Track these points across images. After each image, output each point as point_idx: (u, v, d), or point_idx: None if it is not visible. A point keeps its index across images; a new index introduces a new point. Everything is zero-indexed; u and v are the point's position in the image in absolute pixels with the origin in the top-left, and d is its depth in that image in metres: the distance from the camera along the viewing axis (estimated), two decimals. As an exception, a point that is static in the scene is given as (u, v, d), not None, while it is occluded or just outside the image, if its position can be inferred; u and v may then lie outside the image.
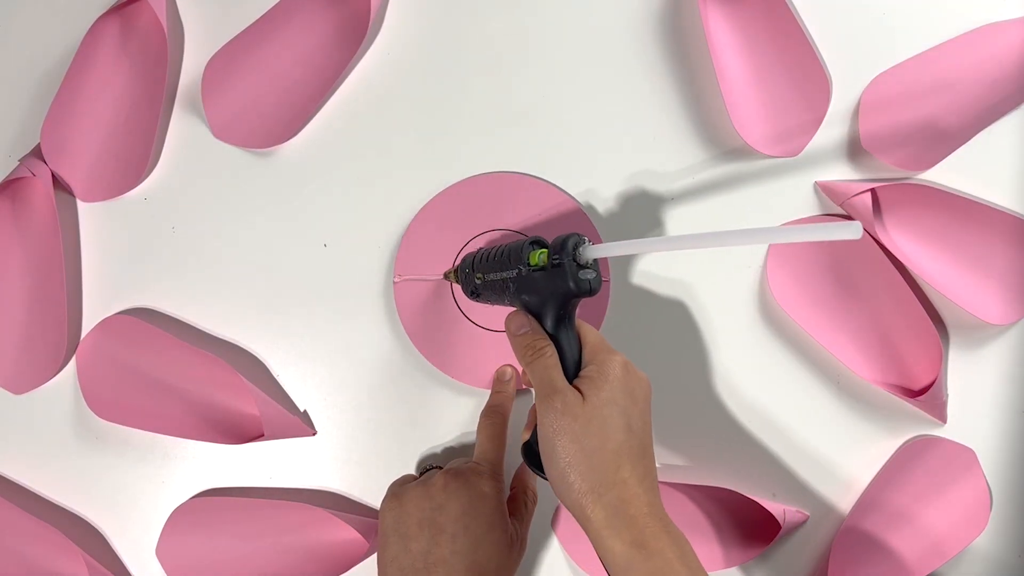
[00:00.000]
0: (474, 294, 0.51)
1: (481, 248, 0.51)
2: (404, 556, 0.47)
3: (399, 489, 0.51)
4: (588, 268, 0.44)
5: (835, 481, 0.57)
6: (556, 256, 0.44)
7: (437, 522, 0.47)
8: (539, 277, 0.45)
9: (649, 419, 0.44)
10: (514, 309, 0.48)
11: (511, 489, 0.54)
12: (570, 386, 0.44)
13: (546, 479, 0.44)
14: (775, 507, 0.55)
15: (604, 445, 0.42)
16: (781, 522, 0.54)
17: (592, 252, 0.43)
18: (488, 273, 0.49)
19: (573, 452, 0.42)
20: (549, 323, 0.46)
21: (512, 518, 0.50)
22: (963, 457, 0.56)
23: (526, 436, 0.49)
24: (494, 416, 0.54)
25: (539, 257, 0.45)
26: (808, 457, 0.57)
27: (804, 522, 0.57)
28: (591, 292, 0.44)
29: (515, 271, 0.46)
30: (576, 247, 0.44)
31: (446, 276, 0.55)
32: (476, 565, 0.46)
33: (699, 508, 0.56)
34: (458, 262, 0.55)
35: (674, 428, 0.58)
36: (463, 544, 0.46)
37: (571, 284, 0.44)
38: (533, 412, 0.48)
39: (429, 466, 0.54)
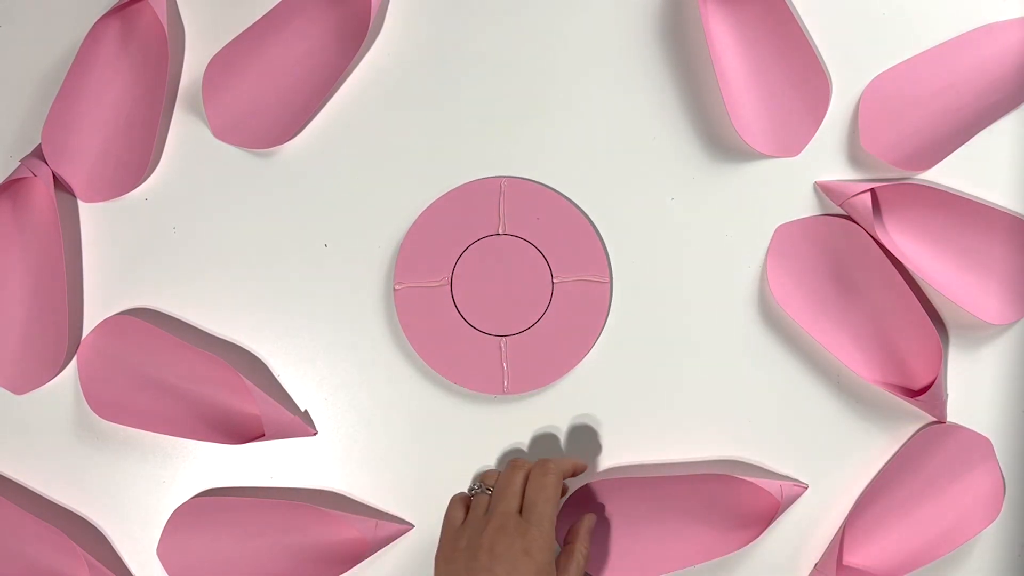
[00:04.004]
0: None
1: None
2: None
3: (450, 551, 0.50)
4: None
5: (834, 480, 0.57)
6: None
7: None
8: None
9: None
10: None
11: (565, 543, 0.52)
12: None
13: None
14: (771, 484, 0.55)
15: None
16: (779, 498, 0.54)
17: None
18: None
19: None
20: None
21: (560, 572, 0.49)
22: (979, 445, 0.56)
23: None
24: (551, 468, 0.51)
25: None
26: (808, 456, 0.57)
27: (803, 494, 0.56)
28: None
29: None
30: None
31: None
32: None
33: (694, 495, 0.56)
34: None
35: (673, 428, 0.58)
36: None
37: None
38: None
39: (479, 486, 0.52)
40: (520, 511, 0.49)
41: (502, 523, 0.48)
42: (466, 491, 0.54)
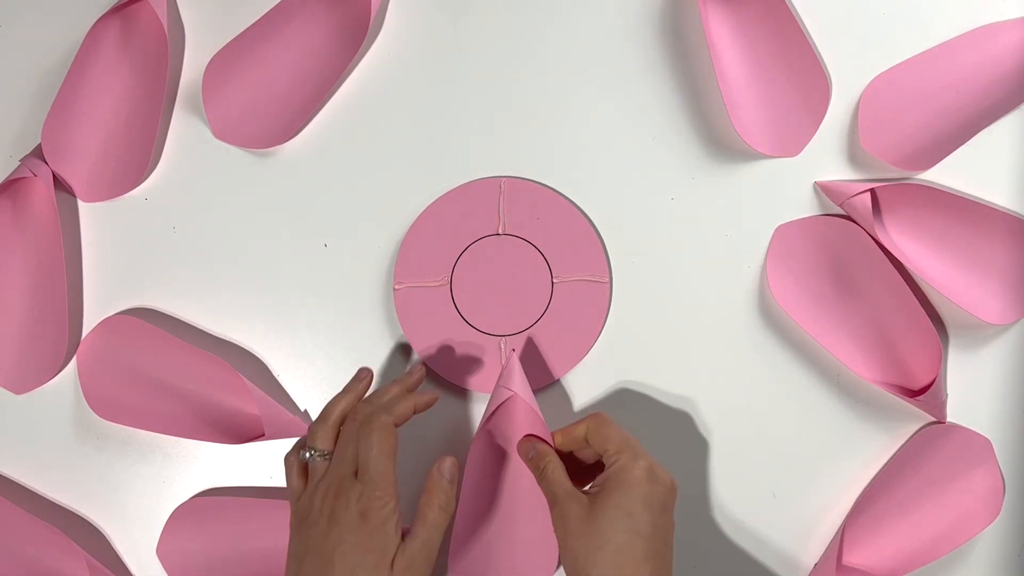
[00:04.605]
0: None
1: None
2: None
3: (295, 521, 0.49)
4: None
5: (834, 480, 0.57)
6: None
7: (321, 549, 0.47)
8: None
9: (665, 523, 0.47)
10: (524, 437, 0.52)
11: (420, 497, 0.49)
12: (574, 494, 0.48)
13: None
14: None
15: (604, 546, 0.45)
16: None
17: None
18: None
19: (574, 550, 0.46)
20: None
21: (407, 535, 0.48)
22: (979, 445, 0.56)
23: None
24: (381, 421, 0.48)
25: None
26: (807, 456, 0.57)
27: None
28: None
29: None
30: None
31: None
32: None
33: None
34: None
35: (673, 427, 0.58)
36: (339, 571, 0.46)
37: None
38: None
39: (312, 452, 0.50)
40: (356, 472, 0.48)
41: (339, 487, 0.47)
42: (295, 454, 0.51)
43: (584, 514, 0.47)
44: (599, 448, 0.50)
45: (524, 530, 0.54)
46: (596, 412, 0.51)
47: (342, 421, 0.51)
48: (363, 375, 0.54)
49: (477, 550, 0.54)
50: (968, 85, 0.57)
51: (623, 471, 0.47)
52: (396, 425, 0.49)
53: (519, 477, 0.55)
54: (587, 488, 0.49)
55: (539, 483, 0.51)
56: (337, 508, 0.47)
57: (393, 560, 0.46)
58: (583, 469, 0.52)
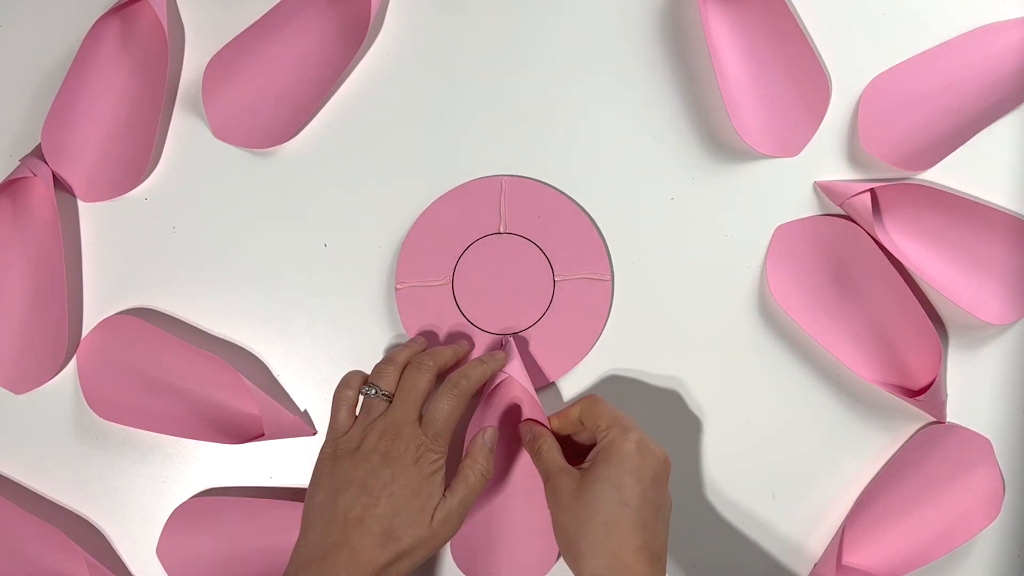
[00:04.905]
0: None
1: None
2: (328, 507, 0.48)
3: (333, 449, 0.50)
4: None
5: (834, 480, 0.57)
6: None
7: (367, 484, 0.48)
8: None
9: (656, 495, 0.48)
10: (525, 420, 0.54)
11: (463, 459, 0.52)
12: (566, 468, 0.50)
13: None
14: None
15: (592, 518, 0.46)
16: None
17: None
18: None
19: (564, 524, 0.48)
20: None
21: (448, 490, 0.49)
22: (978, 445, 0.56)
23: None
24: (463, 386, 0.51)
25: None
26: (807, 456, 0.57)
27: None
28: None
29: None
30: None
31: None
32: (390, 530, 0.47)
33: None
34: None
35: (673, 427, 0.58)
36: (383, 509, 0.47)
37: None
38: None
39: (375, 391, 0.51)
40: (420, 419, 0.50)
41: (398, 430, 0.49)
42: (354, 392, 0.52)
43: (574, 487, 0.48)
44: (591, 426, 0.51)
45: (525, 515, 0.55)
46: (590, 394, 0.53)
47: (404, 367, 0.53)
48: (420, 341, 0.56)
49: (479, 536, 0.55)
50: (968, 85, 0.57)
51: (612, 444, 0.48)
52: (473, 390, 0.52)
53: (518, 461, 0.56)
54: (581, 465, 0.50)
55: (535, 463, 0.52)
56: (394, 449, 0.48)
57: (433, 511, 0.48)
58: (581, 452, 0.53)
